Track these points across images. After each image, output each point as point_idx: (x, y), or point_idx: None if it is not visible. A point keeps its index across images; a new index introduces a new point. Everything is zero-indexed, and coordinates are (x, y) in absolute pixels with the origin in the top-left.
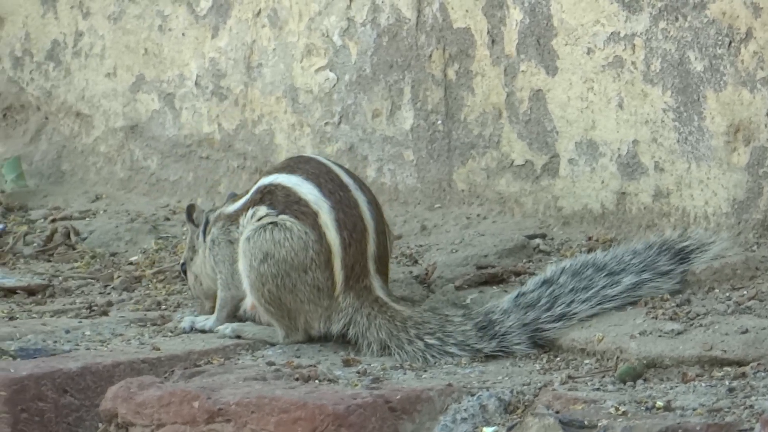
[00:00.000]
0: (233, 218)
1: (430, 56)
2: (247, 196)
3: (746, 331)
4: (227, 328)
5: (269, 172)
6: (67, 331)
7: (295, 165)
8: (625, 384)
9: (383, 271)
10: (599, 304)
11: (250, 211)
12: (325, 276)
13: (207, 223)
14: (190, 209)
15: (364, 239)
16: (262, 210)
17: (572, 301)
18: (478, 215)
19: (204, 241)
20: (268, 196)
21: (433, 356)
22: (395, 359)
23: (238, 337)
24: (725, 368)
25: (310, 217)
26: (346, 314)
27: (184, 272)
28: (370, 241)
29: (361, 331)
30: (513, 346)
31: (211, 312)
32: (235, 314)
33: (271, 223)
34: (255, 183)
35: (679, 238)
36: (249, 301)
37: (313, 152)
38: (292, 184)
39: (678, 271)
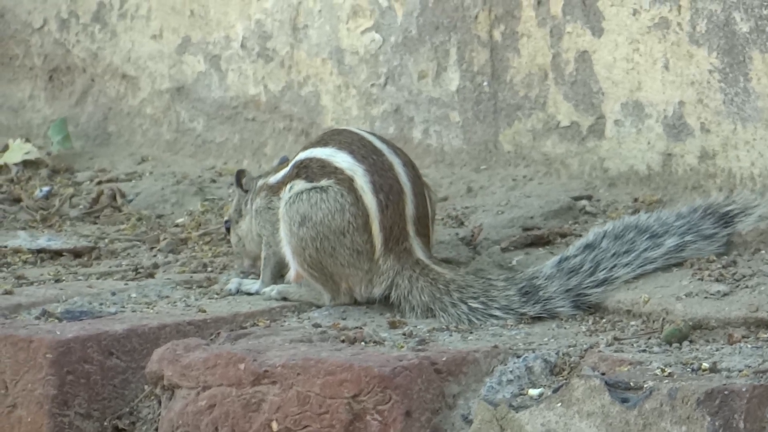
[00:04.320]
0: (275, 190)
1: (476, 17)
2: (287, 170)
3: None
4: (273, 290)
5: (305, 147)
6: (113, 294)
7: (328, 138)
8: (670, 345)
9: (424, 233)
10: (641, 266)
11: (288, 186)
12: (363, 239)
13: (255, 190)
14: (240, 175)
15: (401, 201)
16: (300, 184)
17: (614, 266)
18: (524, 177)
19: (251, 208)
20: (304, 170)
21: (477, 319)
22: (440, 321)
23: (284, 299)
24: None
25: (345, 182)
26: (387, 277)
27: (228, 230)
28: (408, 202)
29: (404, 294)
30: (556, 309)
31: (251, 269)
32: (281, 276)
33: (308, 188)
34: (294, 156)
35: (723, 201)
36: (293, 273)
37: (358, 114)
38: (325, 155)
39: (722, 235)
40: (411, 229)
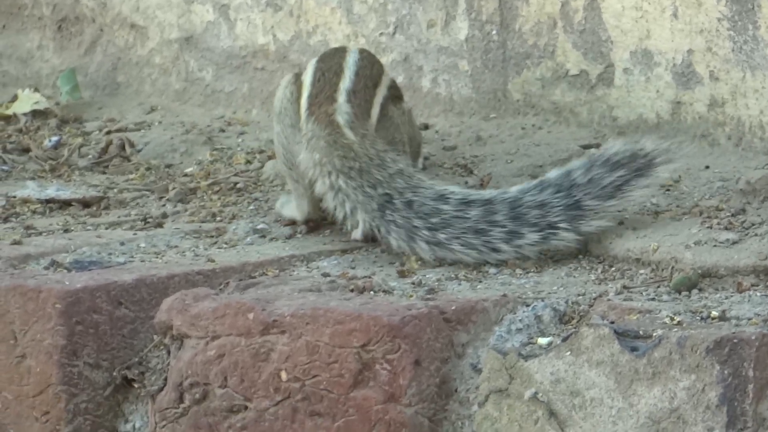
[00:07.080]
0: None
1: None
2: None
3: None
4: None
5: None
6: (122, 243)
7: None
8: (680, 294)
9: (365, 107)
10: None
11: None
12: (294, 109)
13: None
14: None
15: (337, 76)
16: None
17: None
18: (533, 125)
19: None
20: None
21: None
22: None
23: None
24: None
25: (296, 75)
26: (305, 137)
27: None
28: (346, 77)
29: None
30: None
31: None
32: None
33: None
34: None
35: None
36: None
37: None
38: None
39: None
40: (342, 97)
